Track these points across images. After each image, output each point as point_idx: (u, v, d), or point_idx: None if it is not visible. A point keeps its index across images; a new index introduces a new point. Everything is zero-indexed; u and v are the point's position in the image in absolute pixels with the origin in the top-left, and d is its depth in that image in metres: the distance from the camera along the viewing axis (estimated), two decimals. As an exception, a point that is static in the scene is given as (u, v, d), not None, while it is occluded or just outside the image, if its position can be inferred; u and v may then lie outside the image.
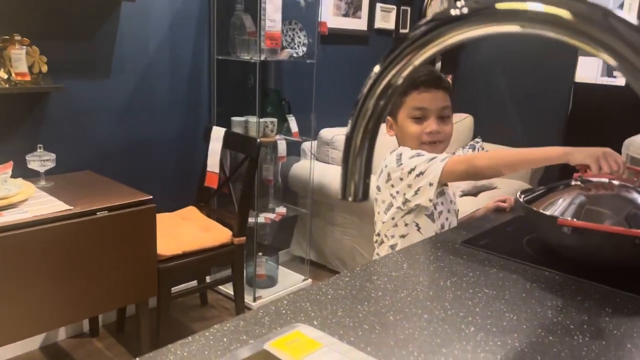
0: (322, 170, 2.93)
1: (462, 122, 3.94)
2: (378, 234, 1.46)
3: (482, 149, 3.72)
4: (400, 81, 0.40)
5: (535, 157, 1.24)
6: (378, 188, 1.45)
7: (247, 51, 2.49)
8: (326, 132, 3.04)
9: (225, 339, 0.74)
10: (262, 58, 2.46)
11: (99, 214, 1.81)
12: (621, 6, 3.53)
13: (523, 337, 0.78)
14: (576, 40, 0.39)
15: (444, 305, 0.87)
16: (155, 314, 2.14)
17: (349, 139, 0.43)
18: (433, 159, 1.32)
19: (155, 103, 2.47)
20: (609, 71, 5.31)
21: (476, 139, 3.79)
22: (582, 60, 4.07)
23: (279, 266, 2.97)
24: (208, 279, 2.77)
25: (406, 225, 1.39)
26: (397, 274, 0.98)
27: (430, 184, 1.29)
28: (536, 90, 3.78)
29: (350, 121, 0.43)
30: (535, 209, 1.07)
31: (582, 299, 0.92)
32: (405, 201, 1.36)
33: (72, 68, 2.18)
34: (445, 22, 0.39)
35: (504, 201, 1.49)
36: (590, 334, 0.80)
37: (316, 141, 3.03)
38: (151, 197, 1.95)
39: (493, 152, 1.30)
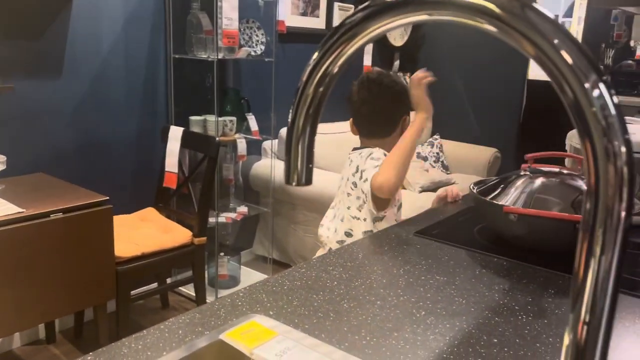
0: (283, 169, 2.94)
1: (421, 119, 4.01)
2: (350, 228, 1.50)
3: (441, 145, 3.81)
4: (336, 70, 0.42)
5: (409, 137, 1.40)
6: (354, 184, 1.50)
7: (204, 50, 2.48)
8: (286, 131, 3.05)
9: (180, 331, 0.75)
10: (220, 56, 2.45)
11: (53, 217, 1.77)
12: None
13: (471, 319, 0.82)
14: (500, 32, 0.41)
15: (397, 292, 0.90)
16: (115, 318, 2.11)
17: (291, 124, 0.44)
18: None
19: (110, 103, 2.43)
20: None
21: (434, 136, 3.87)
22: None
23: (242, 266, 2.96)
24: (169, 281, 2.74)
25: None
26: (352, 264, 1.01)
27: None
28: (491, 88, 3.89)
29: (291, 108, 0.44)
30: (484, 198, 1.11)
31: (527, 282, 0.96)
32: None
33: (22, 68, 2.12)
34: (380, 9, 0.41)
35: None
36: (534, 313, 0.84)
37: (277, 140, 3.03)
38: (107, 197, 1.92)
39: (384, 164, 1.40)
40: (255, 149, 3.04)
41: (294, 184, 0.46)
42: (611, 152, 0.37)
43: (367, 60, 3.78)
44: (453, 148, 3.90)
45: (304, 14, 3.24)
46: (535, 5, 0.40)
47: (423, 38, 4.18)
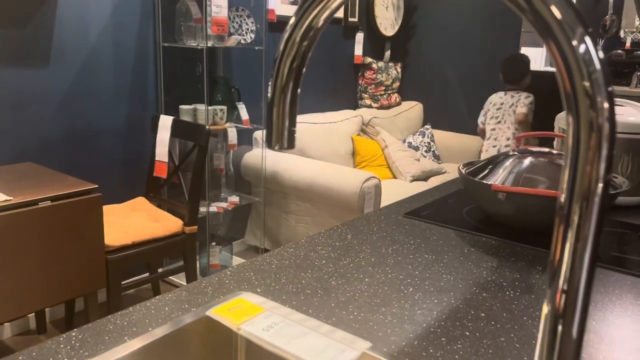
0: (274, 158, 2.93)
1: (412, 109, 4.02)
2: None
3: (432, 135, 3.81)
4: (321, 23, 0.41)
5: None
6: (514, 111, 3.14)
7: (193, 38, 2.46)
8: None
9: (167, 308, 0.74)
10: (209, 44, 2.43)
11: (41, 204, 1.75)
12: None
13: (459, 295, 0.82)
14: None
15: (385, 270, 0.90)
16: (105, 308, 2.10)
17: (275, 76, 0.44)
18: None
19: (99, 92, 2.41)
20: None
21: (426, 126, 3.88)
22: (524, 51, 4.24)
23: (233, 256, 2.96)
24: (160, 270, 2.73)
25: None
26: (340, 244, 1.00)
27: None
28: (481, 77, 3.90)
29: (275, 60, 0.44)
30: (472, 178, 1.11)
31: (516, 259, 0.97)
32: None
33: (8, 56, 2.09)
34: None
35: None
36: (521, 289, 0.85)
37: (267, 129, 3.02)
38: (97, 186, 1.90)
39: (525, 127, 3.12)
40: (246, 138, 3.03)
41: (276, 147, 0.46)
42: (595, 106, 0.37)
43: (358, 50, 3.78)
44: (444, 138, 3.91)
45: (294, 3, 3.22)
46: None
47: (414, 28, 4.17)
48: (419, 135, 3.80)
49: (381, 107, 3.84)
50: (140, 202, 2.45)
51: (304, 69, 0.43)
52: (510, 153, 1.18)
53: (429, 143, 3.76)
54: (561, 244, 0.37)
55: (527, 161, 1.13)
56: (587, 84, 0.36)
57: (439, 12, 4.03)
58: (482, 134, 3.35)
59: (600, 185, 0.37)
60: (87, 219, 1.88)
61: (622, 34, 5.45)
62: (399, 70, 3.97)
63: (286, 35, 0.42)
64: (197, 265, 2.57)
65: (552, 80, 4.16)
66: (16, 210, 1.69)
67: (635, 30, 5.37)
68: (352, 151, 3.38)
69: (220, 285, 0.82)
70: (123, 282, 2.15)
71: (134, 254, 2.10)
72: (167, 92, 2.64)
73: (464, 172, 1.18)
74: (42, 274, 1.78)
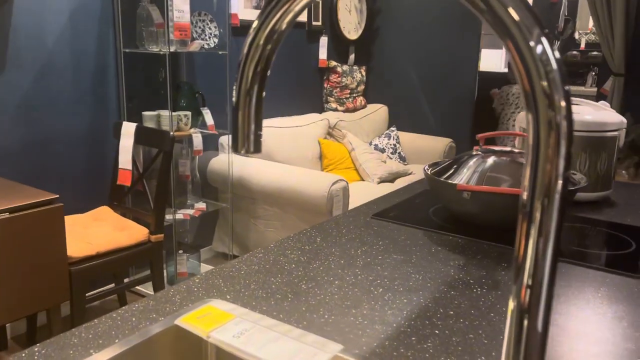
0: (241, 163, 2.91)
1: (377, 112, 4.06)
2: None
3: (397, 137, 3.85)
4: (284, 26, 0.41)
5: None
6: None
7: (155, 43, 2.42)
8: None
9: (134, 319, 0.73)
10: (172, 50, 2.40)
11: (-1, 217, 1.69)
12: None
13: (427, 294, 0.83)
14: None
15: (355, 271, 0.90)
16: (70, 322, 2.04)
17: (240, 80, 0.43)
18: None
19: (58, 99, 2.34)
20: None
21: (391, 128, 3.92)
22: (485, 53, 4.35)
23: (202, 263, 2.92)
24: (127, 281, 2.67)
25: None
26: (310, 247, 1.00)
27: None
28: (444, 80, 3.97)
29: (239, 65, 0.43)
30: (438, 178, 1.13)
31: (482, 257, 0.98)
32: None
33: (-39, 63, 2.02)
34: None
35: None
36: (488, 286, 0.86)
37: (233, 134, 2.99)
38: (57, 196, 1.85)
39: None
40: (211, 144, 3.00)
41: (243, 151, 0.45)
42: (553, 105, 0.38)
43: (323, 54, 3.79)
44: (409, 139, 3.96)
45: (257, 7, 3.21)
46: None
47: (377, 31, 4.22)
48: (384, 137, 3.84)
49: (347, 110, 3.86)
50: (104, 211, 2.39)
51: (268, 72, 0.43)
52: (474, 153, 1.20)
53: (394, 145, 3.81)
54: (525, 240, 0.38)
55: (491, 160, 1.16)
56: (544, 83, 0.37)
57: (402, 15, 4.09)
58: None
59: (560, 181, 0.39)
60: (48, 230, 1.82)
61: (576, 35, 5.65)
62: (364, 73, 4.01)
63: (250, 38, 0.42)
64: (165, 274, 2.53)
65: (509, 81, 4.28)
66: (-28, 224, 1.62)
67: (589, 31, 5.57)
68: (319, 154, 3.39)
69: (188, 293, 0.81)
70: (88, 294, 2.10)
71: (99, 265, 2.05)
72: (130, 98, 2.59)
73: (429, 172, 1.19)
74: (2, 288, 1.71)
